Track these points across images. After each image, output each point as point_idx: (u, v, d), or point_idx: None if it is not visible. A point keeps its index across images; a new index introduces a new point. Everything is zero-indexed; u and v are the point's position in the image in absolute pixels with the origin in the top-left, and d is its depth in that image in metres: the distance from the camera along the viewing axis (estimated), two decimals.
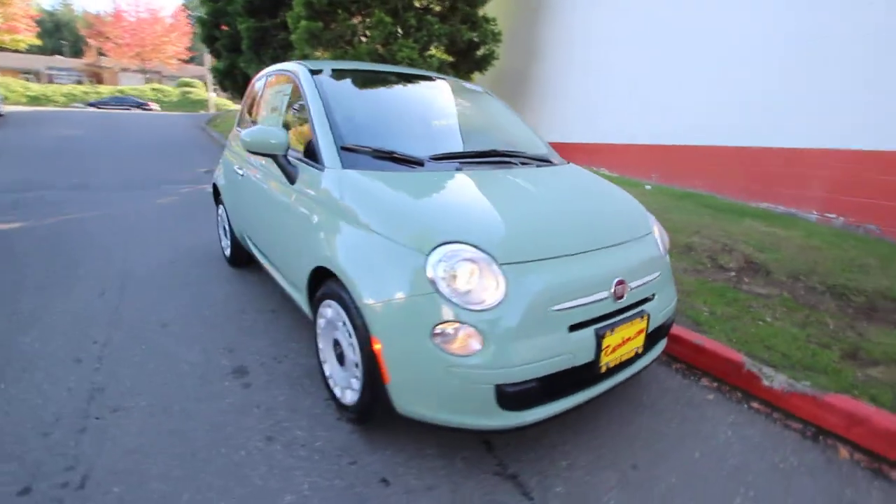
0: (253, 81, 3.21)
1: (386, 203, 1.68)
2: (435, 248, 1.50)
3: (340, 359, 1.85)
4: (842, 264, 3.34)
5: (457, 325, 1.44)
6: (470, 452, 1.73)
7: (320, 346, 2.01)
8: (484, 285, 1.46)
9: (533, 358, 1.48)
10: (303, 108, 2.22)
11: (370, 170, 1.87)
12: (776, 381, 2.08)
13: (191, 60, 39.79)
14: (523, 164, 2.25)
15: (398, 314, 1.50)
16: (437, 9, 7.61)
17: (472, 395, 1.47)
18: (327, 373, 1.98)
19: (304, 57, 7.77)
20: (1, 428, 1.79)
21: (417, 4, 7.24)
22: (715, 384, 2.23)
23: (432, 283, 1.46)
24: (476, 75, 8.35)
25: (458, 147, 2.24)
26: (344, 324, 1.74)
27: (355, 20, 7.45)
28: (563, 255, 1.63)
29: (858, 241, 3.78)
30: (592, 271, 1.64)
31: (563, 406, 1.60)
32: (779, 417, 2.01)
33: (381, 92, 2.44)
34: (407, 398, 1.56)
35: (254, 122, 2.99)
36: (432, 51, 7.59)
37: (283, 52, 9.51)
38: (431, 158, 1.99)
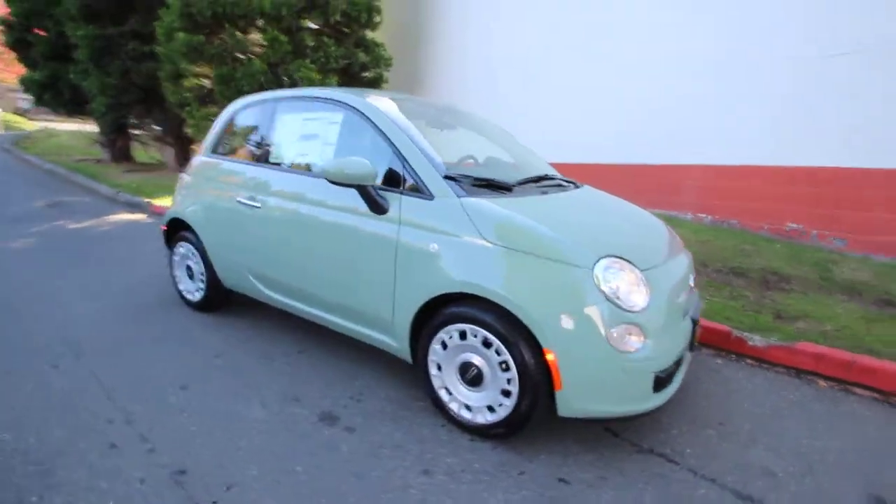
0: (240, 108, 2.89)
1: (526, 227, 1.82)
2: (596, 262, 1.71)
3: (475, 381, 1.90)
4: (730, 251, 4.41)
5: (626, 326, 1.67)
6: (606, 441, 1.95)
7: (433, 372, 2.01)
8: (637, 290, 1.73)
9: (674, 344, 1.81)
10: (370, 139, 2.19)
11: (477, 196, 1.97)
12: (756, 341, 2.75)
13: None
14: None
15: (573, 324, 1.66)
16: (329, 30, 7.51)
17: (637, 385, 1.72)
18: (445, 399, 2.00)
19: (179, 72, 6.94)
20: None
21: (312, 25, 7.07)
22: (713, 351, 2.83)
23: (602, 292, 1.67)
24: None
25: (518, 172, 2.44)
26: (488, 345, 1.81)
27: (239, 34, 6.92)
28: (663, 262, 1.98)
29: (730, 234, 4.99)
30: (682, 271, 2.04)
31: (679, 381, 1.95)
32: (768, 367, 2.66)
33: (422, 121, 2.49)
34: (580, 399, 1.72)
35: (258, 152, 2.73)
36: (316, 74, 7.24)
37: (137, 64, 8.29)
38: (517, 184, 2.18)
